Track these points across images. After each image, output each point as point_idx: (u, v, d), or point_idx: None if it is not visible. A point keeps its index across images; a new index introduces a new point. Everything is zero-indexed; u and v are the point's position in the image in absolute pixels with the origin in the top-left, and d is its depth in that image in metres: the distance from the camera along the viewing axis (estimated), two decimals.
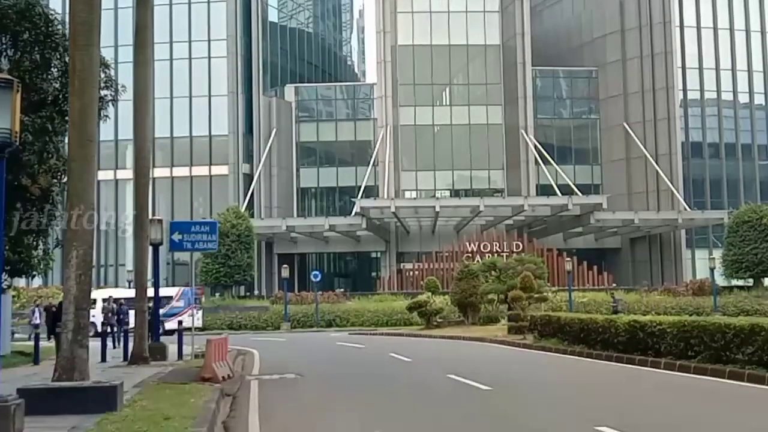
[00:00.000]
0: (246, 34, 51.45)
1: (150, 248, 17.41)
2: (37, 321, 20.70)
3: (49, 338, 18.88)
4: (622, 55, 53.08)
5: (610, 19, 53.82)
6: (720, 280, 41.02)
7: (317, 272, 41.65)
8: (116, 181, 49.40)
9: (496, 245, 44.61)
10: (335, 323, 35.61)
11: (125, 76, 19.37)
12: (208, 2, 50.82)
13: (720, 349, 11.83)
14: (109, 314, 21.08)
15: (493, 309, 30.00)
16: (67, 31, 14.01)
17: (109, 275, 50.35)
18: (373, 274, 55.41)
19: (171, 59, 49.48)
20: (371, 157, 52.16)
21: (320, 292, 38.70)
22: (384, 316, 35.05)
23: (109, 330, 19.82)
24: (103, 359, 17.19)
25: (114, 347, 19.92)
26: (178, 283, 43.31)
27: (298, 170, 54.36)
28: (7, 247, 15.09)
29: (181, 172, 50.46)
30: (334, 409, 9.65)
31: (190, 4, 50.79)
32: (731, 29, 52.36)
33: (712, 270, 40.56)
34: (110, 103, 17.60)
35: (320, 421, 8.85)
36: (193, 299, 27.14)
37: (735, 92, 52.21)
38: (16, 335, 19.45)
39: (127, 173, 41.83)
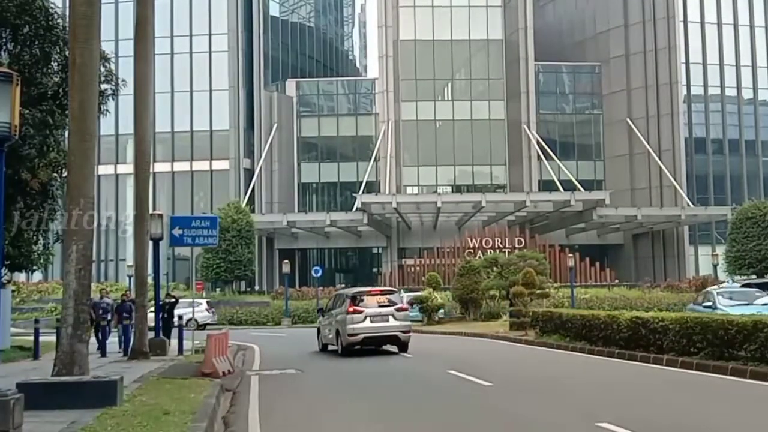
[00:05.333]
0: (247, 29, 51.32)
1: (150, 243, 17.37)
2: (109, 317, 20.06)
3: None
4: (626, 50, 52.89)
5: (614, 13, 53.61)
6: (723, 277, 40.90)
7: (318, 268, 41.64)
8: (117, 175, 49.39)
9: (497, 241, 44.50)
10: None
11: (126, 70, 19.31)
12: None
13: (722, 346, 11.77)
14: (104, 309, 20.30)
15: (494, 305, 29.96)
16: (67, 25, 13.92)
17: (110, 270, 50.39)
18: (375, 269, 55.38)
19: (172, 53, 49.41)
20: (373, 152, 52.07)
21: (321, 288, 38.69)
22: None
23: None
24: (103, 354, 17.19)
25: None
26: (178, 278, 43.37)
27: (299, 165, 54.28)
28: (6, 242, 15.05)
29: (181, 166, 50.43)
30: (335, 405, 9.62)
31: None
32: (735, 24, 52.15)
33: (715, 266, 40.46)
34: (111, 98, 17.55)
35: (321, 416, 8.81)
36: None
37: (739, 88, 52.01)
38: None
39: (127, 168, 41.77)
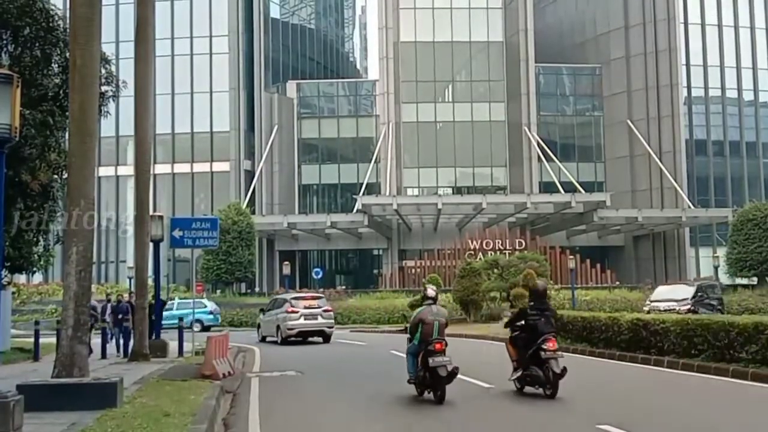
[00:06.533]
0: (248, 30, 51.36)
1: (151, 244, 17.36)
2: (105, 318, 19.91)
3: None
4: (626, 52, 52.90)
5: (614, 15, 53.65)
6: (724, 279, 40.87)
7: (318, 269, 41.62)
8: (117, 177, 49.42)
9: (498, 243, 44.46)
10: (336, 320, 35.45)
11: (126, 71, 19.33)
12: None
13: (723, 348, 11.75)
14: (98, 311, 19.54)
15: (495, 307, 29.92)
16: (67, 27, 13.93)
17: (110, 272, 50.40)
18: (375, 271, 55.38)
19: (172, 55, 49.44)
20: (373, 153, 52.08)
21: (322, 289, 38.63)
22: (386, 314, 34.96)
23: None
24: (104, 356, 17.17)
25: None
26: (179, 279, 43.35)
27: (299, 167, 54.30)
28: (7, 243, 15.04)
29: (182, 168, 50.44)
30: (335, 406, 9.60)
31: None
32: (736, 26, 52.16)
33: (716, 268, 40.43)
34: (111, 99, 17.56)
35: (321, 417, 8.80)
36: None
37: (739, 90, 52.02)
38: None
39: (128, 169, 41.80)
